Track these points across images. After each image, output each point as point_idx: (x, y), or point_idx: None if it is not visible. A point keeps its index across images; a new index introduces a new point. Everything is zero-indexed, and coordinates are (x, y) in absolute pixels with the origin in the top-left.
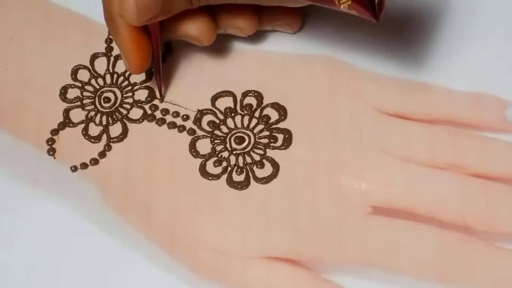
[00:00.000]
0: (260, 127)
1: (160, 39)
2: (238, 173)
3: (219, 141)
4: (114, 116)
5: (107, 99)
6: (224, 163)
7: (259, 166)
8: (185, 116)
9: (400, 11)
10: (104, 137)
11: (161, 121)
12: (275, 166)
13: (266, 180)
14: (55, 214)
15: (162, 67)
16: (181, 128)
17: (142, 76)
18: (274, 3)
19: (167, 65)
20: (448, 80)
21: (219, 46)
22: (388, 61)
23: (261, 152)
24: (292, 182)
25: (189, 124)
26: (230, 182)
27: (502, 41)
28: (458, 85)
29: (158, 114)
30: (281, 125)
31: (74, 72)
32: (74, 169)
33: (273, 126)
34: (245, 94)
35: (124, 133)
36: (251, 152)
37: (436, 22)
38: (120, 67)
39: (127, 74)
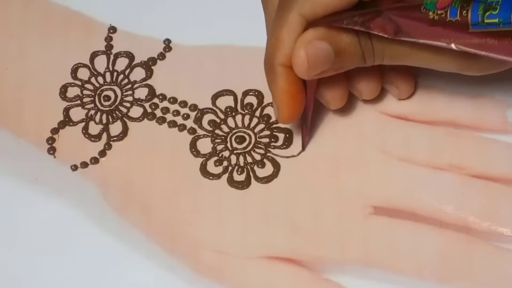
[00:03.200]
0: (261, 126)
1: (315, 95)
2: (238, 172)
3: (219, 140)
4: (114, 115)
5: (107, 98)
6: (225, 163)
7: (259, 166)
8: (185, 115)
9: None
10: (104, 135)
11: (162, 120)
12: (276, 165)
13: (267, 179)
14: (55, 213)
15: None
16: (182, 127)
17: (142, 74)
18: (452, 69)
19: (167, 64)
20: (448, 81)
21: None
22: None
23: (262, 151)
24: (293, 181)
25: (189, 123)
26: (231, 182)
27: None
28: (459, 86)
29: (158, 113)
30: (282, 124)
31: (74, 71)
32: (74, 168)
33: (274, 126)
34: (245, 93)
35: (124, 131)
36: (251, 151)
37: None
38: (120, 65)
39: (127, 72)
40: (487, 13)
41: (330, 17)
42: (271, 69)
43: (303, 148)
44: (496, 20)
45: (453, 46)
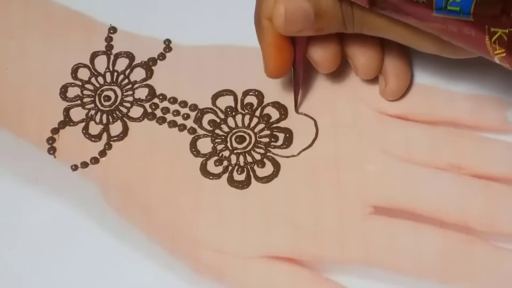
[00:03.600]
0: (261, 126)
1: (305, 53)
2: (239, 172)
3: (220, 140)
4: (115, 115)
5: (107, 98)
6: (225, 163)
7: (260, 165)
8: (185, 115)
9: None
10: (105, 135)
11: (162, 120)
12: (276, 165)
13: (267, 179)
14: (55, 213)
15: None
16: (182, 127)
17: (142, 74)
18: (429, 50)
19: (167, 64)
20: (448, 81)
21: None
22: None
23: (262, 151)
24: (293, 181)
25: (189, 123)
26: (231, 182)
27: None
28: (459, 86)
29: (158, 113)
30: (282, 124)
31: (74, 71)
32: (74, 168)
33: (274, 125)
34: (245, 93)
35: (125, 131)
36: (252, 151)
37: None
38: (120, 65)
39: (127, 72)
40: (451, 0)
41: None
42: (258, 23)
43: (296, 107)
44: (457, 9)
45: (420, 25)
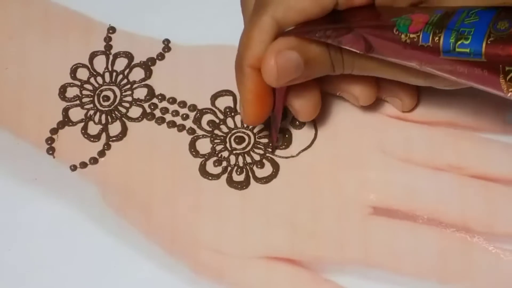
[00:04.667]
0: (260, 126)
1: (285, 99)
2: (238, 173)
3: (219, 140)
4: (113, 115)
5: (106, 98)
6: (224, 163)
7: (259, 166)
8: (184, 115)
9: None
10: (104, 136)
11: (161, 120)
12: (275, 166)
13: (266, 180)
14: (54, 213)
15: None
16: (181, 127)
17: (141, 74)
18: (420, 84)
19: (166, 64)
20: None
21: (219, 45)
22: None
23: (261, 152)
24: (292, 182)
25: (188, 123)
26: (230, 182)
27: None
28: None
29: (157, 113)
30: (281, 124)
31: (73, 71)
32: (73, 168)
33: (270, 124)
34: None
35: (124, 132)
36: (251, 152)
37: None
38: (119, 65)
39: (126, 72)
40: (459, 42)
41: (303, 27)
42: (240, 69)
43: (273, 150)
44: (468, 50)
45: (424, 69)
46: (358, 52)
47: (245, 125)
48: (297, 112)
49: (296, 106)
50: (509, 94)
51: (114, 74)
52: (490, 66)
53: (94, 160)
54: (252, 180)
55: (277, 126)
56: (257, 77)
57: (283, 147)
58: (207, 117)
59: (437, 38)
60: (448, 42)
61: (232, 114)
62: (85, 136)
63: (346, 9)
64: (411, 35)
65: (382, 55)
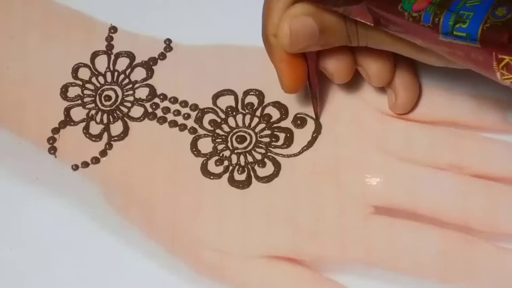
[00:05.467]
0: (262, 126)
1: (317, 65)
2: (239, 172)
3: (220, 140)
4: (115, 115)
5: (108, 97)
6: (226, 162)
7: (260, 165)
8: (186, 115)
9: None
10: (105, 135)
11: (162, 120)
12: (277, 165)
13: (268, 179)
14: (56, 213)
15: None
16: (182, 127)
17: (143, 74)
18: (437, 64)
19: (167, 63)
20: (449, 81)
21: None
22: None
23: (263, 151)
24: (293, 181)
25: (190, 122)
26: (232, 181)
27: None
28: (459, 86)
29: (159, 113)
30: (283, 124)
31: (75, 71)
32: (75, 168)
33: (275, 125)
34: (246, 93)
35: (125, 131)
36: (252, 151)
37: None
38: (121, 64)
39: (127, 72)
40: (457, 25)
41: None
42: (266, 40)
43: (317, 118)
44: (464, 34)
45: (427, 46)
46: (368, 23)
47: (247, 125)
48: (331, 74)
49: (330, 68)
50: (504, 82)
51: (116, 73)
52: (484, 54)
53: (95, 160)
54: (253, 180)
55: (315, 93)
56: None
57: (285, 146)
58: (208, 117)
59: (437, 19)
60: (447, 25)
61: (234, 113)
62: (87, 135)
63: None
64: (414, 14)
65: (389, 29)
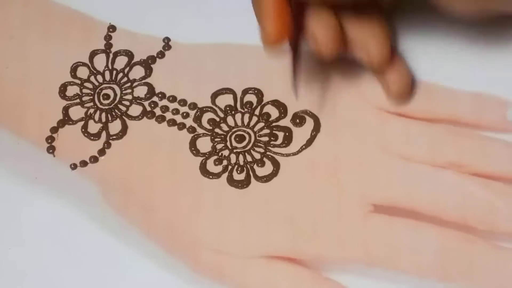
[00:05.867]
0: (261, 125)
1: (303, 24)
2: (238, 171)
3: (219, 139)
4: (114, 113)
5: (107, 96)
6: (225, 162)
7: (259, 165)
8: (185, 114)
9: None
10: (104, 134)
11: (161, 118)
12: (276, 164)
13: (267, 178)
14: (54, 212)
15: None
16: (181, 126)
17: (142, 73)
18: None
19: (166, 62)
20: (449, 78)
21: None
22: None
23: (262, 150)
24: (292, 180)
25: (189, 121)
26: (231, 181)
27: (503, 41)
28: (459, 84)
29: (157, 111)
30: (282, 122)
31: (73, 69)
32: (73, 167)
33: (274, 124)
34: (245, 92)
35: (124, 130)
36: (251, 150)
37: (437, 21)
38: (119, 63)
39: (126, 70)
40: None
41: None
42: None
43: (294, 79)
44: None
45: None
46: None
47: (246, 124)
48: (318, 41)
49: (317, 33)
50: None
51: (114, 72)
52: None
53: (94, 159)
54: (252, 179)
55: (296, 50)
56: None
57: (284, 145)
58: (207, 116)
59: None
60: None
61: (233, 112)
62: (85, 134)
63: None
64: None
65: None
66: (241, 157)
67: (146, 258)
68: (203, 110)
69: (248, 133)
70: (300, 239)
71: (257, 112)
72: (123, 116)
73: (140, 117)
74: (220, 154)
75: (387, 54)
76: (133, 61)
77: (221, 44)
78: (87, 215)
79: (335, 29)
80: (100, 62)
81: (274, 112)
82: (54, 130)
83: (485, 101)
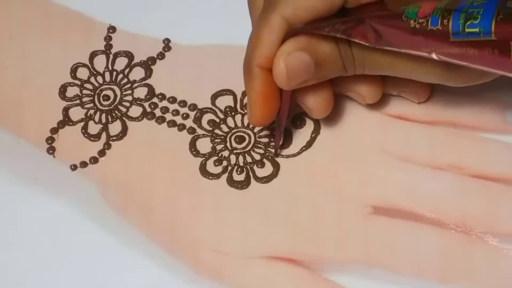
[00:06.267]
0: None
1: (291, 102)
2: (238, 172)
3: (219, 140)
4: (114, 114)
5: (107, 97)
6: (225, 163)
7: (259, 166)
8: (185, 115)
9: None
10: (104, 135)
11: (161, 119)
12: (276, 165)
13: (267, 179)
14: (54, 213)
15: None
16: (181, 127)
17: (142, 74)
18: (433, 80)
19: (166, 63)
20: None
21: (219, 44)
22: None
23: (261, 151)
24: (292, 181)
25: (189, 122)
26: (231, 182)
27: None
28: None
29: (157, 112)
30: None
31: (74, 70)
32: (73, 167)
33: (273, 125)
34: (245, 93)
35: (124, 131)
36: (251, 151)
37: None
38: (119, 64)
39: (126, 71)
40: (468, 23)
41: (312, 24)
42: (249, 70)
43: (276, 153)
44: (477, 30)
45: (434, 56)
46: (367, 44)
47: (245, 125)
48: (310, 109)
49: (310, 103)
50: None
51: (114, 73)
52: (500, 45)
53: (94, 160)
54: (252, 180)
55: (281, 129)
56: (265, 77)
57: (284, 146)
58: (207, 117)
59: (446, 20)
60: (457, 24)
61: (233, 113)
62: (85, 135)
63: (355, 7)
64: (420, 20)
65: (391, 45)
66: (241, 158)
67: (146, 258)
68: (203, 111)
69: (248, 134)
70: (300, 240)
71: None
72: (123, 117)
73: (140, 118)
74: (220, 155)
75: (380, 92)
76: (133, 62)
77: (221, 46)
78: (87, 216)
79: (325, 95)
80: (100, 63)
81: None
82: (54, 131)
83: (484, 103)
